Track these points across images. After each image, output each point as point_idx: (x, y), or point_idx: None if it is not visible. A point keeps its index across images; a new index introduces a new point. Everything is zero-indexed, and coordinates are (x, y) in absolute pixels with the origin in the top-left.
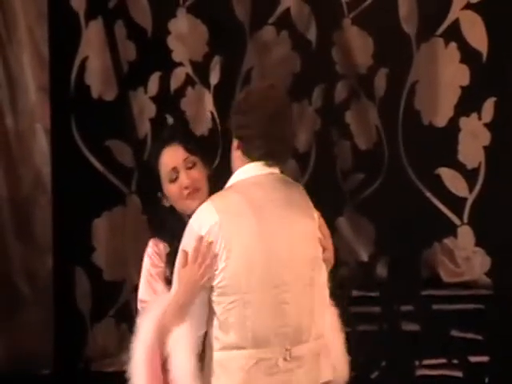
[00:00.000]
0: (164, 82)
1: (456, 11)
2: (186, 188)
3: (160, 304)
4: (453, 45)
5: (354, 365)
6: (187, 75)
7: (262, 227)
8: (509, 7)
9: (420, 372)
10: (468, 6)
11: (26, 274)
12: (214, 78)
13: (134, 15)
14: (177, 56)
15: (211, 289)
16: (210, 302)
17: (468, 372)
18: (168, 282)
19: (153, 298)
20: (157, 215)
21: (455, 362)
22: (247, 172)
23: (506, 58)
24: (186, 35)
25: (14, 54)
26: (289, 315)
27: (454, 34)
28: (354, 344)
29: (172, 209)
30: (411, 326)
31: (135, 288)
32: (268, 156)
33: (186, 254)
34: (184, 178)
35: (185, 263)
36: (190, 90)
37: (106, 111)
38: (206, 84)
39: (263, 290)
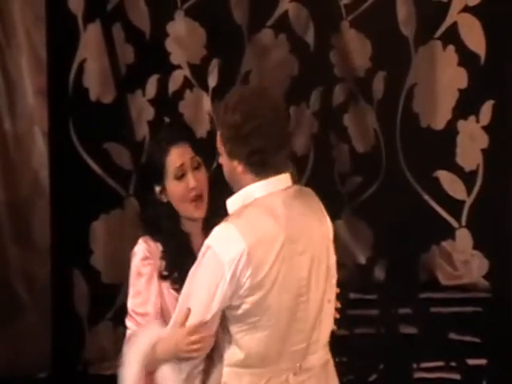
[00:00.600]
0: (162, 84)
1: (454, 14)
2: (193, 189)
3: (150, 337)
4: (451, 48)
5: (352, 368)
6: (185, 78)
7: (286, 248)
8: (507, 10)
9: (418, 375)
10: (466, 9)
11: (23, 276)
12: (212, 81)
13: (132, 18)
14: (175, 59)
15: (228, 308)
16: (223, 317)
17: (466, 375)
18: (163, 277)
19: (142, 328)
20: (150, 212)
21: (453, 364)
22: (262, 189)
23: (504, 60)
24: (184, 38)
25: (11, 57)
26: (302, 333)
27: (452, 36)
28: (351, 347)
29: (168, 206)
30: (409, 329)
31: None
32: (276, 168)
33: (188, 311)
34: (191, 178)
35: (184, 321)
36: (188, 92)
37: (104, 114)
38: (205, 87)
39: (282, 311)
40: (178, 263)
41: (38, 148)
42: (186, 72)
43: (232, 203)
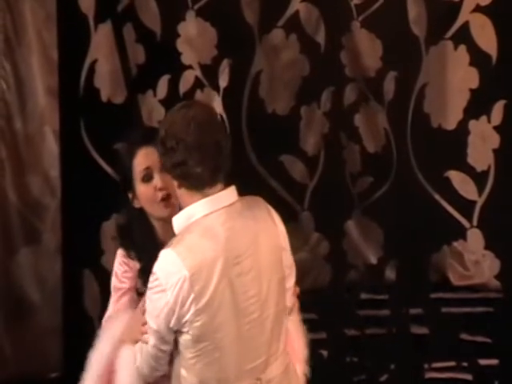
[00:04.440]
0: (173, 84)
1: (465, 14)
2: (160, 190)
3: (120, 322)
4: (462, 47)
5: (364, 368)
6: (196, 78)
7: (228, 270)
8: None
9: (429, 375)
10: (477, 9)
11: (34, 277)
12: (223, 81)
13: (143, 18)
14: (186, 59)
15: (178, 332)
16: (176, 344)
17: (477, 375)
18: (139, 294)
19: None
20: (124, 220)
21: (464, 364)
22: (203, 208)
23: None
24: (195, 38)
25: (23, 58)
26: (258, 348)
27: (464, 36)
28: (363, 347)
29: (140, 213)
30: (420, 329)
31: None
32: (213, 178)
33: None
34: (158, 179)
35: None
36: (199, 92)
37: (114, 114)
38: (215, 87)
39: (233, 331)
40: None
41: (49, 148)
42: (197, 72)
43: (176, 221)
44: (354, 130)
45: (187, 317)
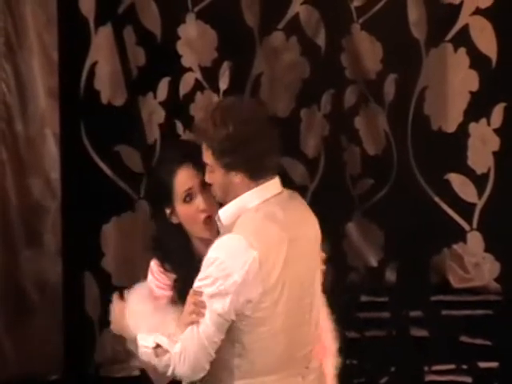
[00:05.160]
0: (173, 87)
1: (465, 16)
2: (203, 211)
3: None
4: (462, 50)
5: (363, 370)
6: (196, 80)
7: (289, 253)
8: None
9: (429, 377)
10: (477, 12)
11: (35, 279)
12: (224, 84)
13: (143, 21)
14: (186, 61)
15: (240, 316)
16: (232, 332)
17: (477, 378)
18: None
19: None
20: (162, 236)
21: (464, 367)
22: (256, 197)
23: None
24: (195, 40)
25: (23, 60)
26: (307, 336)
27: (464, 39)
28: (363, 349)
29: (179, 229)
30: (420, 332)
31: None
32: (271, 172)
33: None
34: (201, 201)
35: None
36: (199, 95)
37: (115, 116)
38: (216, 89)
39: (290, 316)
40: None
41: (50, 150)
42: (197, 75)
43: (226, 213)
44: (355, 133)
45: (254, 298)
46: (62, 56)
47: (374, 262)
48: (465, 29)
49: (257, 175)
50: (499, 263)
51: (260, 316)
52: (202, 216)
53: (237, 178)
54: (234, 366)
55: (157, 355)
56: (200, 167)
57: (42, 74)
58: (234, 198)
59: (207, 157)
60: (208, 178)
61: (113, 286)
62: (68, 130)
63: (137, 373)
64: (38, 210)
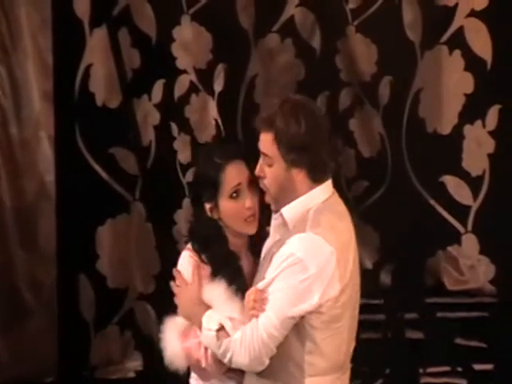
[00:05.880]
0: (168, 89)
1: (460, 18)
2: (249, 209)
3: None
4: (457, 52)
5: (358, 373)
6: (191, 82)
7: (355, 251)
8: None
9: (424, 380)
10: (472, 14)
11: (30, 281)
12: (218, 86)
13: (138, 23)
14: (181, 63)
15: (316, 314)
16: (302, 328)
17: (472, 380)
18: None
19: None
20: (201, 229)
21: (459, 369)
22: (321, 195)
23: (510, 65)
24: (190, 43)
25: (18, 62)
26: (355, 331)
27: (459, 41)
28: (357, 352)
29: (218, 225)
30: (415, 334)
31: (139, 295)
32: (328, 172)
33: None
34: (248, 198)
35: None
36: (194, 97)
37: (110, 119)
38: (210, 91)
39: (353, 311)
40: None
41: (44, 153)
42: (192, 77)
43: (291, 211)
44: (349, 135)
45: (333, 296)
46: (56, 58)
47: (369, 265)
48: (460, 31)
49: (318, 175)
50: (494, 265)
51: (336, 313)
52: (248, 213)
53: (299, 175)
54: (305, 362)
55: (218, 338)
56: (248, 165)
57: (36, 77)
58: (289, 194)
59: (269, 149)
60: (260, 171)
61: (108, 288)
62: (63, 133)
63: (132, 374)
64: (33, 212)
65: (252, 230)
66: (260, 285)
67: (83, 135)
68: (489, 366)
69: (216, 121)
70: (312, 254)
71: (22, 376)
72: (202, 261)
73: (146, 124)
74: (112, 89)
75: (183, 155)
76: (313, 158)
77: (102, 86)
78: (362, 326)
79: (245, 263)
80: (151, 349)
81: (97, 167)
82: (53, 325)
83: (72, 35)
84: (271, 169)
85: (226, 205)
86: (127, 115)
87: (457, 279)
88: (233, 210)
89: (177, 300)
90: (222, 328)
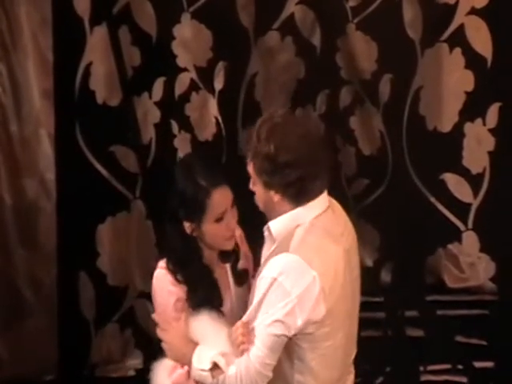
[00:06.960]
0: (168, 87)
1: (461, 16)
2: (231, 230)
3: None
4: (457, 50)
5: (359, 371)
6: (192, 80)
7: (346, 266)
8: None
9: (425, 377)
10: (473, 12)
11: (29, 279)
12: (219, 84)
13: (138, 21)
14: (181, 61)
15: (302, 335)
16: (290, 349)
17: (473, 377)
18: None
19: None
20: (177, 245)
21: (460, 367)
22: (308, 213)
23: (510, 63)
24: (190, 40)
25: (18, 61)
26: (355, 342)
27: (459, 39)
28: (358, 350)
29: (195, 241)
30: (416, 332)
31: (139, 293)
32: (314, 193)
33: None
34: (231, 220)
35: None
36: (194, 95)
37: (110, 117)
38: (211, 89)
39: (347, 327)
40: (206, 301)
41: (44, 151)
42: (193, 74)
43: (277, 225)
44: (350, 133)
45: (318, 318)
46: (56, 56)
47: (369, 262)
48: (460, 29)
49: (298, 197)
50: (494, 263)
51: (324, 332)
52: (229, 233)
53: (275, 197)
54: (295, 381)
55: (213, 376)
56: (231, 188)
57: (36, 75)
58: (273, 213)
59: (249, 169)
60: (252, 187)
61: (108, 286)
62: (63, 131)
63: (132, 373)
64: (33, 211)
65: (230, 245)
66: (245, 317)
67: (83, 133)
68: (489, 364)
69: (216, 119)
70: (294, 278)
71: (22, 374)
72: (178, 280)
73: (146, 122)
74: (112, 87)
75: (183, 153)
76: (286, 184)
77: (103, 84)
78: (363, 324)
79: (218, 273)
80: (151, 347)
81: (97, 165)
82: (53, 323)
83: (72, 33)
84: (255, 187)
85: (210, 228)
86: (127, 113)
87: (457, 277)
88: (216, 232)
89: (164, 344)
90: (215, 365)
